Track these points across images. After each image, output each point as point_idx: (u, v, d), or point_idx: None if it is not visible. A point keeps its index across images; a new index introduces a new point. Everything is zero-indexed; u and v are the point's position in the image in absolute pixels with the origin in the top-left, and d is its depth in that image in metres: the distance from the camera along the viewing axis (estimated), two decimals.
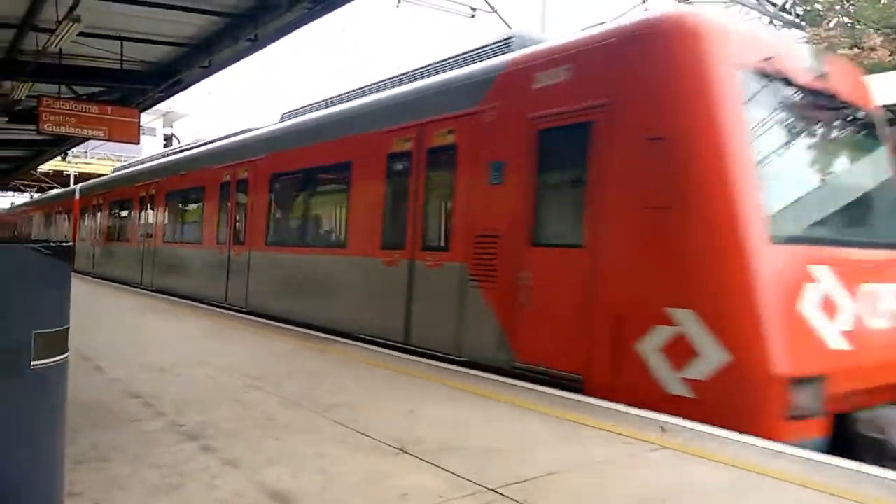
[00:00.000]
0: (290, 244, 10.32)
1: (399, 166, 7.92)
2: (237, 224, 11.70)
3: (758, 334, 4.53)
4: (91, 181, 25.37)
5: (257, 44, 12.75)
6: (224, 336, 8.81)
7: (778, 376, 4.52)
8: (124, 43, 13.89)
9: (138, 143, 16.16)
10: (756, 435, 4.68)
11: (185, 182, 14.38)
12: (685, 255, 4.98)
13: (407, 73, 9.05)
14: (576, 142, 5.86)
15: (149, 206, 15.96)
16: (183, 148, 17.59)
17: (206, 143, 15.61)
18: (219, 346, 8.01)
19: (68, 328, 3.22)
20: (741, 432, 4.68)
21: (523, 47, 6.90)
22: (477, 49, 7.78)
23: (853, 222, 5.73)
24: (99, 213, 20.19)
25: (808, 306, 4.95)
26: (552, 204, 6.20)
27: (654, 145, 5.25)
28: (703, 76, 4.93)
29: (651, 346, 5.13)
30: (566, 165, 6.04)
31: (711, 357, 4.81)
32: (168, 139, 68.67)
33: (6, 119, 18.07)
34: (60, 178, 46.36)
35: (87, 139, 18.01)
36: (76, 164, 46.36)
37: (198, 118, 66.19)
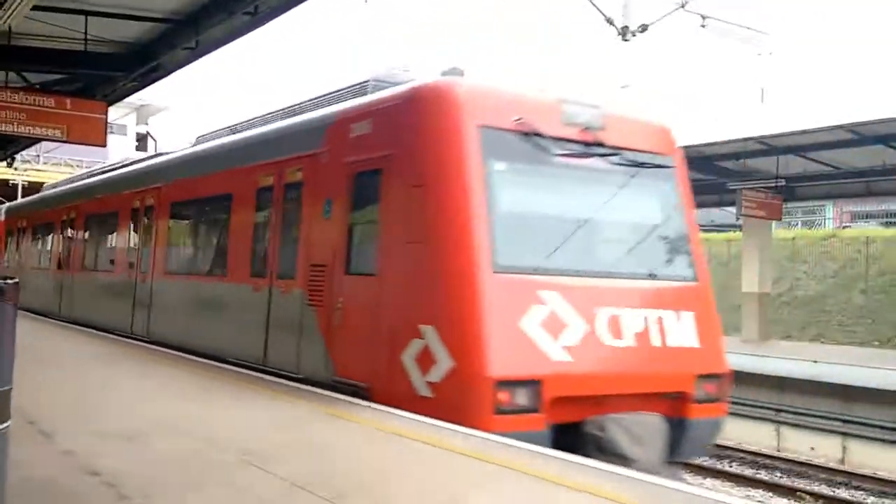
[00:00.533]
0: (184, 272, 13.24)
1: (264, 200, 10.80)
2: (143, 251, 14.44)
3: (475, 345, 6.85)
4: (18, 201, 27.14)
5: (258, 18, 11.91)
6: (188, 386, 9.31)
7: (487, 379, 6.80)
8: (89, 18, 13.45)
9: (104, 144, 15.62)
10: (472, 427, 6.83)
11: (102, 206, 16.91)
12: (430, 281, 7.45)
13: (285, 108, 12.00)
14: (373, 185, 8.47)
15: (69, 231, 17.70)
16: (107, 168, 19.81)
17: (131, 163, 17.93)
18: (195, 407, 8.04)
19: (10, 389, 3.11)
20: (464, 425, 6.87)
21: (378, 90, 9.29)
22: (338, 91, 10.48)
23: (596, 256, 8.21)
24: (23, 238, 22.11)
25: (531, 324, 7.25)
26: (359, 237, 8.79)
27: (415, 191, 7.81)
28: (451, 135, 7.48)
29: (409, 357, 7.50)
30: (367, 204, 8.69)
31: (443, 364, 7.14)
32: (142, 139, 68.94)
33: None
34: (4, 188, 46.36)
35: (39, 140, 17.52)
36: (25, 171, 46.39)
37: (179, 113, 66.44)
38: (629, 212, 9.03)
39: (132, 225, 14.89)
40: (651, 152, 9.30)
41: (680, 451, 8.70)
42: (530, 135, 8.35)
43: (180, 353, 11.95)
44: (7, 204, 26.37)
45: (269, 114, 12.72)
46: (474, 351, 7.25)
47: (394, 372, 7.96)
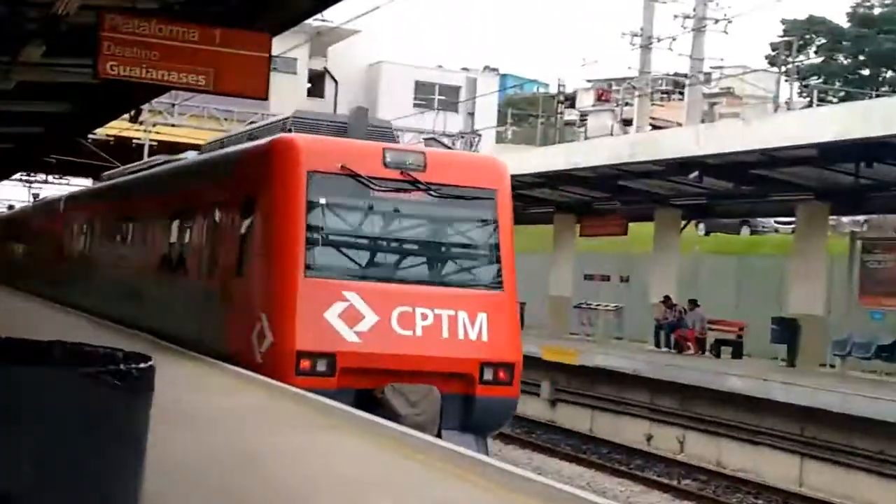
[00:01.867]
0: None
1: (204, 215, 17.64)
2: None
3: (287, 327, 12.68)
4: (83, 188, 33.19)
5: None
6: None
7: (291, 350, 12.60)
8: None
9: (265, 95, 12.56)
10: (282, 382, 12.46)
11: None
12: (265, 282, 13.57)
13: (225, 137, 20.16)
14: (248, 210, 14.75)
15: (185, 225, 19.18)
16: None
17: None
18: None
19: None
20: (279, 381, 12.44)
21: (298, 125, 15.27)
22: (266, 125, 17.19)
23: (398, 267, 13.89)
24: (100, 232, 25.63)
25: (332, 314, 12.78)
26: (239, 249, 15.06)
27: (262, 217, 13.95)
28: (287, 177, 13.35)
29: (254, 334, 13.32)
30: (246, 224, 14.87)
31: (268, 339, 13.01)
32: (316, 79, 65.48)
33: (42, 49, 14.70)
34: (127, 150, 44.28)
35: (175, 88, 14.57)
36: (155, 127, 43.45)
37: (370, 40, 63.38)
38: (438, 233, 14.66)
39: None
40: (470, 186, 14.39)
41: (472, 423, 13.77)
42: (350, 176, 13.77)
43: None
44: (71, 192, 29.25)
45: (216, 141, 20.42)
46: (286, 331, 13.17)
47: (246, 344, 13.81)
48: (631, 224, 32.11)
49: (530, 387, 26.45)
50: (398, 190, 13.95)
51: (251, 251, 14.38)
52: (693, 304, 28.67)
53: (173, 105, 39.72)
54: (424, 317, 13.36)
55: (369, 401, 12.88)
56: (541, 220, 38.03)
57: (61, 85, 22.50)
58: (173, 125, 42.26)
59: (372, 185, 13.81)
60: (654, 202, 30.34)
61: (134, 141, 43.10)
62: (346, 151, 14.04)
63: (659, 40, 49.43)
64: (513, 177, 26.85)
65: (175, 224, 18.63)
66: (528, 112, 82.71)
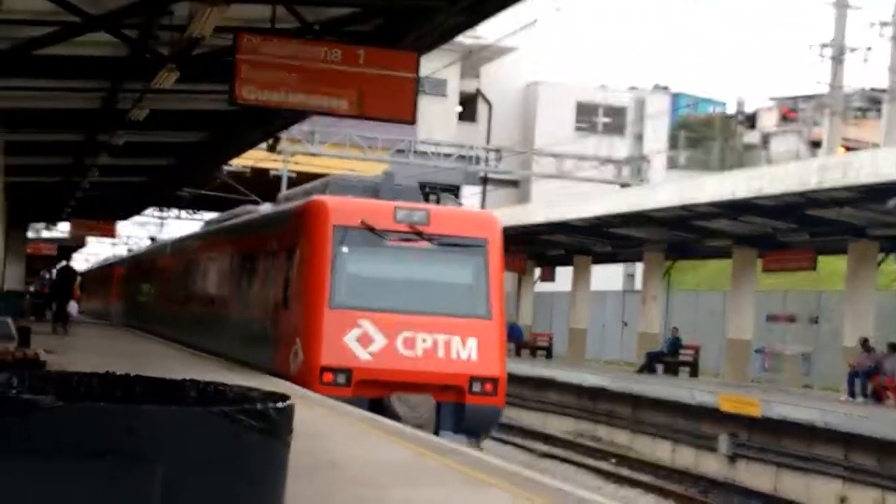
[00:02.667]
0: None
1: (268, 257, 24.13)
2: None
3: (314, 348, 18.78)
4: (191, 232, 39.46)
5: None
6: None
7: (316, 366, 18.61)
8: None
9: (412, 119, 12.70)
10: (308, 389, 18.14)
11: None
12: (300, 314, 19.82)
13: (286, 195, 27.89)
14: (292, 257, 20.97)
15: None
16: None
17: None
18: None
19: None
20: (307, 389, 18.25)
21: (337, 188, 21.47)
22: (311, 186, 23.70)
23: (405, 301, 19.00)
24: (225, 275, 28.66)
25: (350, 338, 18.57)
26: (286, 288, 21.16)
27: (301, 262, 20.28)
28: (318, 231, 19.55)
29: (292, 355, 19.55)
30: (290, 268, 20.96)
31: (300, 358, 19.20)
32: (468, 101, 65.76)
33: (175, 75, 15.19)
34: (265, 182, 45.35)
35: (316, 113, 14.89)
36: (294, 157, 44.29)
37: (527, 58, 63.53)
38: (439, 274, 19.86)
39: None
40: (466, 236, 19.91)
41: (464, 426, 18.85)
42: (367, 229, 19.38)
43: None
44: (175, 238, 36.87)
45: (284, 195, 27.99)
46: (313, 352, 18.63)
47: (286, 362, 19.65)
48: (820, 258, 31.60)
49: (707, 441, 26.10)
50: (405, 239, 19.80)
51: (292, 289, 20.66)
52: (893, 348, 27.84)
53: (313, 133, 40.62)
54: (424, 340, 19.15)
55: (379, 407, 18.14)
56: (717, 254, 37.50)
57: (195, 113, 23.29)
58: (313, 154, 43.15)
59: (384, 236, 19.76)
60: (847, 233, 29.69)
61: (272, 172, 44.15)
62: (366, 209, 19.99)
63: (852, 51, 48.51)
64: (685, 207, 29.20)
65: (243, 268, 25.56)
66: (704, 134, 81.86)
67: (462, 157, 47.86)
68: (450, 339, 19.11)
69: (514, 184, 57.74)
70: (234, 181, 43.06)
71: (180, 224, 59.74)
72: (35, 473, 2.72)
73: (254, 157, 38.26)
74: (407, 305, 19.40)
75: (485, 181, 55.33)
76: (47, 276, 56.34)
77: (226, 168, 39.66)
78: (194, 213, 62.82)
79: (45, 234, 67.30)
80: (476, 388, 19.01)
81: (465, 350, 19.22)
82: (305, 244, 20.20)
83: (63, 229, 60.45)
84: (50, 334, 29.63)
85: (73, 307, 38.23)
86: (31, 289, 45.98)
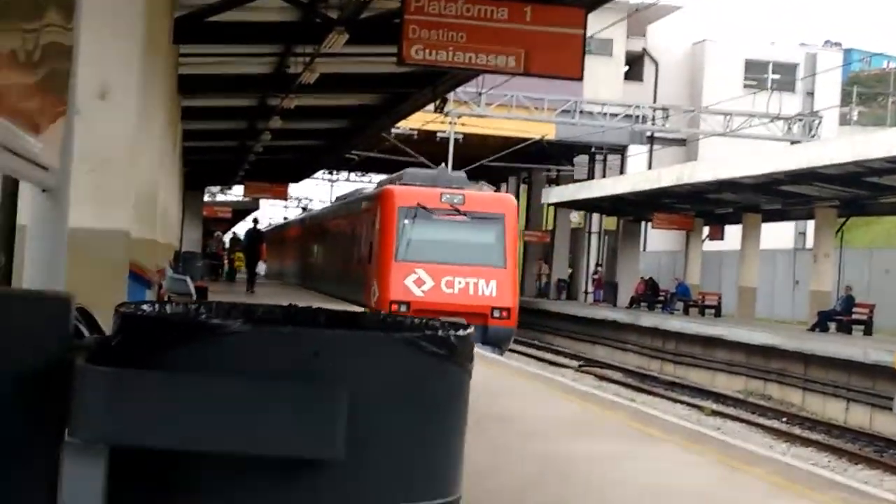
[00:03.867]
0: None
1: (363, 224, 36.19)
2: None
3: (386, 288, 29.89)
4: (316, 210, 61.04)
5: None
6: None
7: (387, 299, 29.84)
8: None
9: (580, 75, 12.66)
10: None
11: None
12: (378, 264, 31.01)
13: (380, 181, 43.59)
14: (373, 227, 32.49)
15: None
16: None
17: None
18: None
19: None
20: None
21: (411, 178, 33.31)
22: (390, 178, 37.10)
23: (448, 255, 29.72)
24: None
25: (409, 281, 29.63)
26: (370, 246, 33.17)
27: (378, 230, 31.38)
28: (386, 209, 30.70)
29: (372, 291, 31.37)
30: (373, 233, 32.26)
31: (376, 293, 30.32)
32: (634, 61, 64.74)
33: (345, 37, 15.38)
34: (432, 143, 45.59)
35: (483, 72, 14.90)
36: (460, 119, 44.20)
37: (694, 16, 62.43)
38: (471, 237, 29.93)
39: None
40: (489, 212, 30.29)
41: (489, 341, 27.80)
42: (422, 208, 29.82)
43: None
44: (312, 211, 48.07)
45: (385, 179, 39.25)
46: (385, 290, 29.42)
47: (368, 296, 30.68)
48: None
49: (881, 400, 25.46)
50: (447, 214, 30.05)
51: (374, 249, 31.20)
52: None
53: (479, 94, 40.71)
54: (460, 282, 29.34)
55: None
56: (892, 211, 36.53)
57: (365, 76, 23.53)
58: (480, 116, 43.25)
59: (432, 212, 30.02)
60: None
61: (438, 134, 44.41)
62: (421, 194, 30.47)
63: None
64: (858, 163, 28.51)
65: (348, 235, 37.15)
66: (877, 90, 79.38)
67: (628, 117, 47.45)
68: (477, 281, 29.64)
69: (681, 142, 57.01)
70: (401, 143, 43.50)
71: (349, 186, 62.07)
72: (226, 392, 2.85)
73: (422, 120, 38.61)
74: (448, 258, 29.77)
75: (651, 140, 54.78)
76: (223, 237, 58.60)
77: (394, 130, 40.10)
78: (363, 174, 63.80)
79: (221, 197, 69.20)
80: (496, 314, 29.43)
81: (488, 288, 29.65)
82: (380, 219, 30.95)
83: (237, 193, 62.18)
84: (243, 292, 35.30)
85: (260, 267, 45.45)
86: (207, 250, 47.42)
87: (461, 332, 3.09)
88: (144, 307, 3.15)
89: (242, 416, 2.78)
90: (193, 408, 2.74)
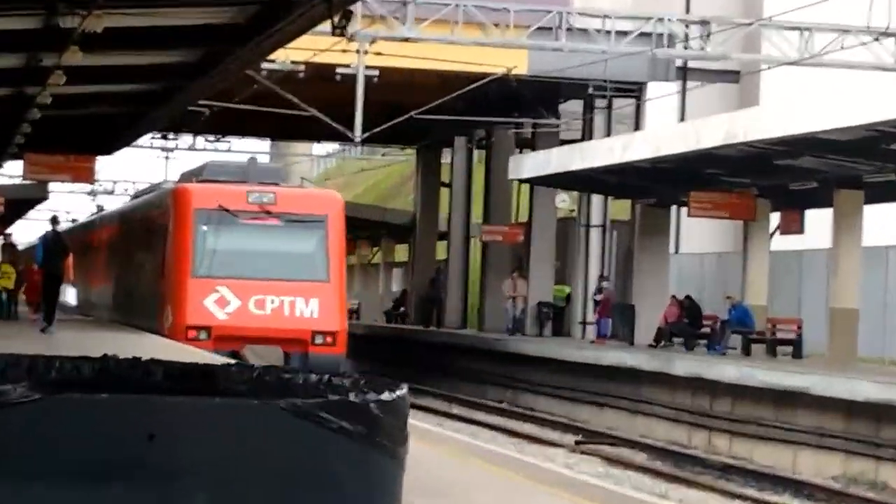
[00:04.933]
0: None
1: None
2: None
3: (182, 311, 41.12)
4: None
5: None
6: None
7: (183, 324, 40.76)
8: None
9: None
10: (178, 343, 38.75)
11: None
12: (171, 283, 42.83)
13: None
14: (163, 233, 45.10)
15: None
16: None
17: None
18: None
19: None
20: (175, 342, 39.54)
21: (213, 170, 45.87)
22: (192, 170, 49.55)
23: (255, 268, 40.68)
24: None
25: (210, 301, 40.48)
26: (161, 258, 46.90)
27: (169, 238, 43.73)
28: (180, 212, 42.18)
29: (164, 315, 42.82)
30: (162, 242, 45.40)
31: (170, 317, 41.71)
32: None
33: None
34: (328, 86, 45.59)
35: None
36: (373, 44, 43.51)
37: None
38: (284, 244, 41.06)
39: None
40: (306, 213, 41.28)
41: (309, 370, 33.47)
42: (223, 210, 40.20)
43: None
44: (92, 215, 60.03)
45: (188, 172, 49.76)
46: (181, 313, 40.41)
47: (160, 321, 41.92)
48: None
49: None
50: (256, 218, 38.48)
51: (166, 262, 39.71)
52: None
53: (405, 4, 40.57)
54: (273, 301, 37.96)
55: (235, 358, 28.52)
56: None
57: None
58: (405, 40, 43.11)
59: (237, 215, 38.16)
60: None
61: (339, 70, 44.36)
62: (223, 193, 38.94)
63: None
64: None
65: (131, 245, 46.61)
66: None
67: (646, 36, 47.46)
68: (294, 299, 38.22)
69: (731, 76, 57.22)
70: (279, 86, 43.38)
71: (195, 157, 63.06)
72: None
73: (312, 48, 38.58)
74: (257, 272, 38.38)
75: (684, 74, 54.86)
76: None
77: (266, 66, 40.00)
78: (218, 138, 63.61)
79: None
80: (318, 340, 38.17)
81: (308, 308, 38.38)
82: (173, 225, 38.95)
83: (12, 172, 61.51)
84: (29, 334, 36.83)
85: (69, 293, 51.71)
86: None
87: (388, 395, 3.04)
88: None
89: None
90: None
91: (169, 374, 3.20)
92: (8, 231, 66.42)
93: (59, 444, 2.65)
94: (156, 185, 53.01)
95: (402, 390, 3.04)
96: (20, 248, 58.16)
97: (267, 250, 37.40)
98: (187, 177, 44.32)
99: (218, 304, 36.59)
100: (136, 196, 55.70)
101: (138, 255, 44.62)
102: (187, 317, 36.60)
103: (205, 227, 36.99)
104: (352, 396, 2.90)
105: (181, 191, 39.34)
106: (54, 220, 43.70)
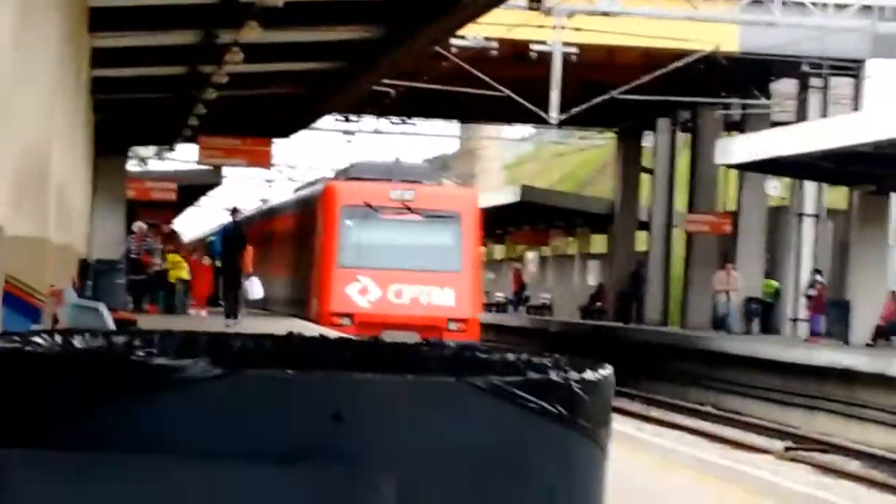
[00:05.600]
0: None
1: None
2: None
3: (326, 299, 49.44)
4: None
5: None
6: None
7: (328, 311, 48.85)
8: None
9: None
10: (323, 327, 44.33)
11: None
12: (318, 271, 51.90)
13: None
14: (317, 224, 53.83)
15: None
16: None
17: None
18: None
19: None
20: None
21: (359, 170, 54.33)
22: (341, 170, 62.24)
23: (397, 259, 48.36)
24: None
25: (352, 290, 48.38)
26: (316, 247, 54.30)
27: (321, 231, 52.05)
28: (328, 209, 50.45)
29: (312, 302, 52.32)
30: (316, 232, 53.39)
31: (317, 305, 50.36)
32: None
33: None
34: (523, 63, 45.33)
35: None
36: (572, 19, 43.46)
37: None
38: (423, 238, 48.38)
39: None
40: (443, 209, 48.35)
41: None
42: (367, 206, 48.00)
43: None
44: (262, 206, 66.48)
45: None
46: (325, 301, 48.20)
47: (309, 308, 51.23)
48: None
49: None
50: (397, 213, 45.55)
51: (315, 254, 48.11)
52: None
53: None
54: (410, 291, 44.74)
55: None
56: None
57: None
58: (606, 14, 43.11)
59: (379, 211, 45.62)
60: None
61: (534, 48, 44.41)
62: (366, 190, 46.45)
63: None
64: None
65: (292, 236, 57.84)
66: None
67: (867, 9, 47.01)
68: (431, 289, 43.91)
69: None
70: (469, 65, 43.51)
71: (378, 140, 65.29)
72: (180, 486, 2.83)
73: (505, 23, 38.58)
74: (396, 263, 44.36)
75: None
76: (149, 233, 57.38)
77: (456, 42, 40.15)
78: (404, 120, 63.85)
79: (157, 164, 68.87)
80: (452, 326, 43.48)
81: (443, 297, 44.08)
82: (321, 220, 45.42)
83: (186, 157, 62.00)
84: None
85: (254, 286, 46.23)
86: (130, 255, 47.28)
87: (591, 375, 3.03)
88: (35, 340, 3.13)
89: None
90: None
91: (357, 351, 3.24)
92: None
93: (242, 423, 2.69)
94: (312, 181, 60.79)
95: (607, 370, 3.05)
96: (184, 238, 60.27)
97: (405, 243, 44.49)
98: (338, 175, 53.33)
99: (360, 293, 44.01)
100: (296, 191, 62.80)
101: (295, 248, 53.03)
102: (331, 304, 44.01)
103: (349, 222, 44.74)
104: (553, 375, 2.90)
105: (328, 189, 47.13)
106: (234, 211, 46.72)
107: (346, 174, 49.09)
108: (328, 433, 2.70)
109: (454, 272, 44.26)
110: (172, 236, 56.44)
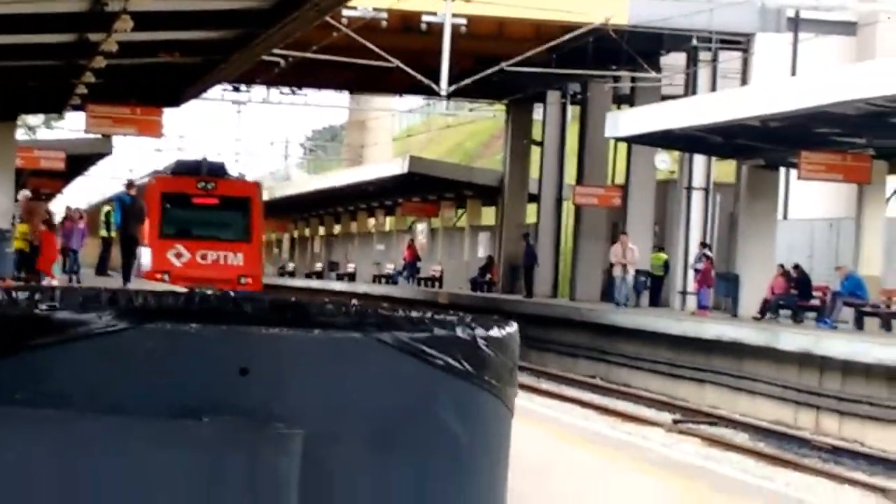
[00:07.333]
0: None
1: None
2: None
3: (151, 261, 69.22)
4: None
5: None
6: None
7: (152, 271, 68.33)
8: None
9: None
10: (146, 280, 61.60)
11: None
12: (146, 240, 65.37)
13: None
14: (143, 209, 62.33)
15: None
16: None
17: None
18: None
19: None
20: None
21: (180, 167, 75.72)
22: (167, 167, 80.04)
23: (202, 232, 71.20)
24: None
25: (170, 254, 70.17)
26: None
27: (147, 212, 62.89)
28: (153, 195, 70.24)
29: (143, 261, 66.86)
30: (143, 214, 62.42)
31: (147, 264, 68.16)
32: None
33: None
34: (413, 37, 45.47)
35: None
36: None
37: None
38: (220, 217, 70.57)
39: None
40: (236, 195, 70.48)
41: None
42: (181, 193, 69.47)
43: None
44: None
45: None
46: (152, 263, 67.40)
47: (141, 267, 62.59)
48: None
49: None
50: (201, 198, 64.45)
51: (146, 228, 57.17)
52: None
53: None
54: (212, 255, 63.97)
55: None
56: None
57: None
58: None
59: (189, 196, 64.18)
60: None
61: (425, 18, 44.43)
62: (180, 182, 65.33)
63: None
64: None
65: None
66: None
67: None
68: (227, 253, 61.96)
69: (847, 27, 56.78)
70: (359, 35, 43.42)
71: (267, 110, 71.38)
72: (84, 441, 2.81)
73: None
74: (202, 235, 61.91)
75: (796, 24, 54.51)
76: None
77: (347, 12, 40.03)
78: (294, 91, 63.93)
79: (45, 133, 68.52)
80: (242, 280, 59.79)
81: (236, 259, 62.03)
82: (149, 203, 56.46)
83: (74, 126, 61.67)
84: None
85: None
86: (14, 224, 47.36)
87: (497, 332, 3.02)
88: None
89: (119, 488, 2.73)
90: (25, 477, 2.66)
91: (260, 306, 3.24)
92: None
93: (146, 377, 2.67)
94: (148, 174, 76.10)
95: (513, 328, 3.05)
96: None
97: (208, 220, 63.00)
98: (165, 170, 70.53)
99: (175, 256, 61.98)
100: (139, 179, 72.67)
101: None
102: (153, 264, 61.31)
103: (168, 205, 63.00)
104: (459, 332, 2.90)
105: (153, 180, 66.02)
106: (130, 185, 55.37)
107: (169, 170, 67.38)
108: (234, 387, 2.68)
109: (244, 241, 63.43)
110: (30, 206, 56.36)
